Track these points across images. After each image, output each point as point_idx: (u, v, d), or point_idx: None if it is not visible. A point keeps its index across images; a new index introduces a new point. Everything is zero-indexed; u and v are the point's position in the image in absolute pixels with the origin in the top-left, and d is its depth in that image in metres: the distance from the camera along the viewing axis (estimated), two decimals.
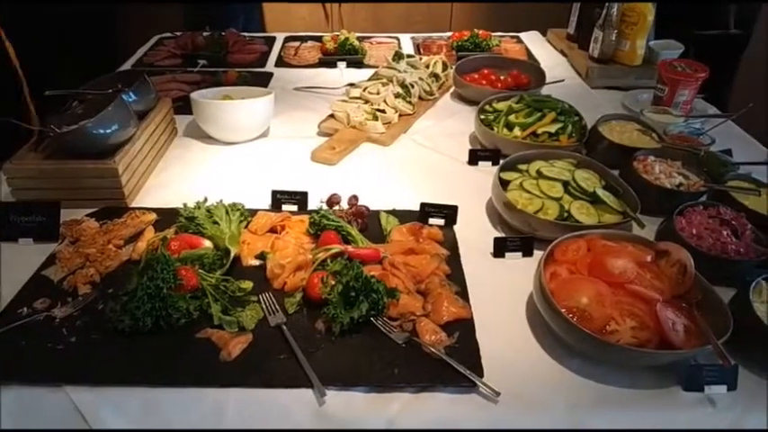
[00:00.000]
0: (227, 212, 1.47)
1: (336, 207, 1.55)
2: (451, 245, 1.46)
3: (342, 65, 2.65)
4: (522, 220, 1.46)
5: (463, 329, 1.20)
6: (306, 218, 1.49)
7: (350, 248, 1.32)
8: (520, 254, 1.44)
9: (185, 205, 1.47)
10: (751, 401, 1.08)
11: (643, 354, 1.07)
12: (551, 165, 1.61)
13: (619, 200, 1.52)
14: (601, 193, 1.50)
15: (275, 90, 2.38)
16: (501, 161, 1.66)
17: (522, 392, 1.09)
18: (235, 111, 1.90)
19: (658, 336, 1.09)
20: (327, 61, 2.68)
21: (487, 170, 1.79)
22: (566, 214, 1.46)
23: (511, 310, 1.29)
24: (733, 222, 1.40)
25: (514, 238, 1.44)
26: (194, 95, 1.94)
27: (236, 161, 1.89)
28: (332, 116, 2.09)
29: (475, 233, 1.52)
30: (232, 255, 1.34)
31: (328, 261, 1.31)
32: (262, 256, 1.37)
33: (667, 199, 1.51)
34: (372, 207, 1.58)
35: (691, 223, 1.40)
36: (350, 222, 1.45)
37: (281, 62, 2.71)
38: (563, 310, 1.11)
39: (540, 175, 1.56)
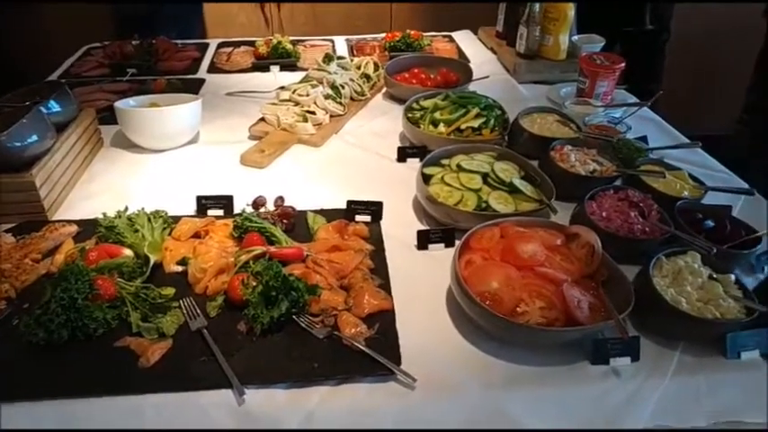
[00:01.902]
0: (149, 220, 1.46)
1: (263, 209, 1.55)
2: (377, 240, 1.49)
3: (275, 68, 2.65)
4: (444, 213, 1.50)
5: (384, 320, 1.23)
6: (231, 222, 1.49)
7: (272, 249, 1.33)
8: (442, 245, 1.48)
9: (105, 215, 1.45)
10: (652, 369, 1.14)
11: (550, 332, 1.12)
12: (472, 158, 1.66)
13: (536, 188, 1.58)
14: (517, 182, 1.55)
15: (207, 96, 2.40)
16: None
17: (439, 377, 1.12)
18: (159, 118, 1.88)
19: (565, 314, 1.15)
20: (261, 65, 2.67)
21: (415, 167, 1.80)
22: (484, 204, 1.50)
23: (432, 299, 1.32)
24: (640, 204, 1.47)
25: (437, 230, 1.48)
26: (118, 104, 1.91)
27: (163, 169, 1.87)
28: (263, 119, 2.09)
29: (401, 227, 1.55)
30: (152, 262, 1.33)
31: (250, 263, 1.31)
32: (183, 262, 1.36)
33: (581, 185, 1.57)
34: (302, 207, 1.60)
35: (601, 206, 1.47)
36: (275, 223, 1.46)
37: (213, 68, 2.70)
38: (475, 295, 1.15)
39: (460, 168, 1.60)
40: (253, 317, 1.18)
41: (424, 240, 1.48)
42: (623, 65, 2.24)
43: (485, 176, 1.60)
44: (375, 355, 1.12)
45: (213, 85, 2.52)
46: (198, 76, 2.63)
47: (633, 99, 2.43)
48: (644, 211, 1.46)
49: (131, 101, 1.99)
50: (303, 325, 1.21)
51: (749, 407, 1.09)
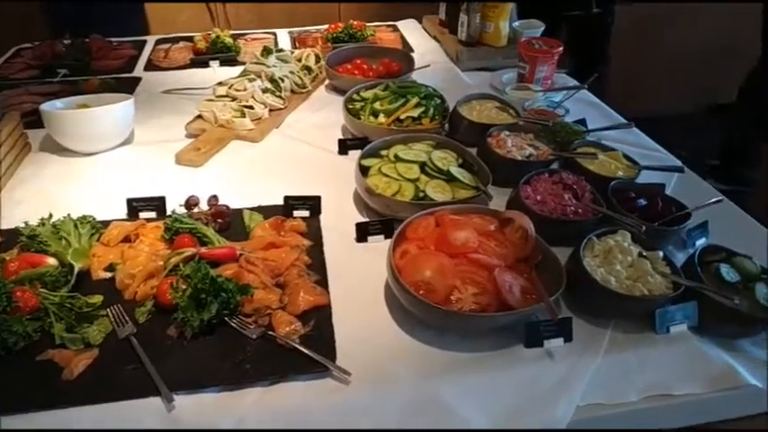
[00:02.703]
0: (75, 226, 1.40)
1: (196, 209, 1.51)
2: (316, 235, 1.47)
3: (214, 64, 2.58)
4: (382, 204, 1.49)
5: (320, 317, 1.21)
6: (162, 224, 1.44)
7: (203, 250, 1.30)
8: (382, 236, 1.47)
9: (26, 223, 1.39)
10: (584, 348, 1.16)
11: (482, 317, 1.12)
12: (410, 148, 1.65)
13: (473, 176, 1.58)
14: (454, 170, 1.55)
15: (142, 95, 2.33)
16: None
17: (376, 369, 1.12)
18: (87, 119, 1.81)
19: (498, 299, 1.15)
20: (199, 61, 2.60)
21: (357, 159, 1.80)
22: (422, 194, 1.50)
23: (371, 292, 1.31)
24: (574, 186, 1.49)
25: (375, 221, 1.47)
26: (44, 107, 1.83)
27: (95, 172, 1.80)
28: (200, 117, 2.04)
29: (342, 221, 1.53)
30: (76, 270, 1.28)
31: (181, 266, 1.27)
32: (111, 268, 1.31)
33: (518, 170, 1.58)
34: (240, 205, 1.56)
35: (536, 190, 1.48)
36: (208, 223, 1.43)
37: (150, 66, 2.61)
38: (408, 286, 1.14)
39: (397, 158, 1.59)
40: (182, 321, 1.15)
41: (363, 233, 1.46)
42: (561, 49, 2.27)
43: (423, 166, 1.59)
44: (309, 352, 1.11)
45: (150, 84, 2.44)
46: (134, 74, 2.54)
47: (574, 83, 2.46)
48: (578, 192, 1.48)
49: (59, 103, 1.91)
50: (236, 326, 1.17)
51: (678, 379, 1.12)
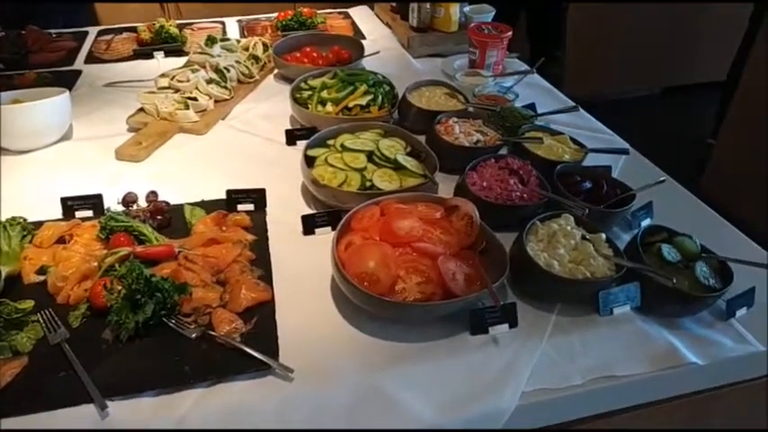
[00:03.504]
0: (5, 228, 1.33)
1: (134, 206, 1.45)
2: (260, 229, 1.43)
3: (159, 55, 2.49)
4: (329, 195, 1.46)
5: (263, 313, 1.18)
6: (98, 223, 1.38)
7: (138, 249, 1.25)
8: (329, 228, 1.44)
9: None
10: (529, 333, 1.16)
11: (425, 306, 1.11)
12: (357, 137, 1.62)
13: (421, 163, 1.57)
14: (401, 158, 1.53)
15: (83, 88, 2.24)
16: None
17: (320, 364, 1.09)
18: (17, 115, 1.72)
19: (442, 288, 1.14)
20: (144, 52, 2.51)
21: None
22: (369, 183, 1.47)
23: (316, 286, 1.28)
24: (520, 171, 1.49)
25: (322, 213, 1.44)
26: None
27: (29, 171, 1.72)
28: (142, 110, 1.96)
29: (289, 214, 1.49)
30: (3, 274, 1.21)
31: (116, 266, 1.22)
32: (43, 271, 1.25)
33: (466, 156, 1.57)
34: (184, 200, 1.52)
35: (482, 176, 1.47)
36: (145, 221, 1.37)
37: (91, 58, 2.51)
38: (351, 277, 1.12)
39: (344, 148, 1.56)
40: (117, 323, 1.10)
41: (309, 225, 1.43)
42: (510, 33, 2.27)
43: (370, 155, 1.56)
44: (250, 350, 1.08)
45: (91, 77, 2.34)
46: (74, 67, 2.43)
47: (525, 67, 2.46)
48: (523, 178, 1.48)
49: None
50: (174, 326, 1.13)
51: (622, 360, 1.12)
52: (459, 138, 1.65)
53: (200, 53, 2.16)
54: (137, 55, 2.51)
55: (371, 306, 1.13)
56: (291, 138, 1.83)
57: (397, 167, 1.54)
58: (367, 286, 1.12)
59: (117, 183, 1.64)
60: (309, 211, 1.52)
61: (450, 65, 2.41)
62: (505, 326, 1.15)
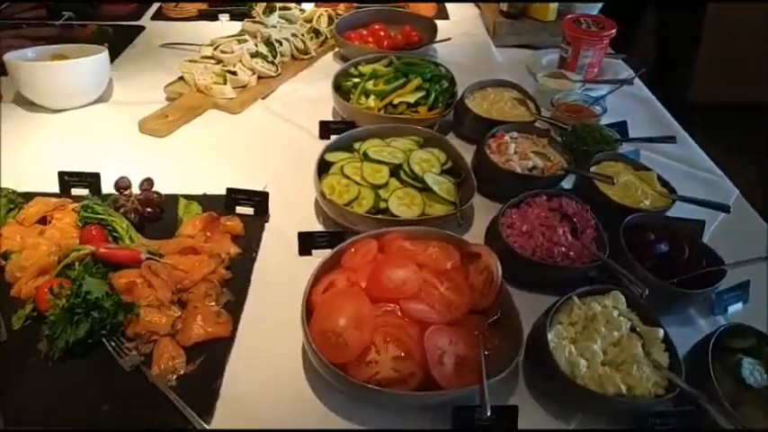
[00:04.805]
0: None
1: (127, 192, 1.31)
2: (252, 240, 1.24)
3: (224, 17, 2.34)
4: (336, 212, 1.23)
5: (213, 352, 1.00)
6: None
7: (102, 249, 1.10)
8: (330, 251, 1.22)
9: None
10: None
11: (392, 395, 0.86)
12: (387, 144, 1.37)
13: (456, 187, 1.29)
14: (430, 178, 1.27)
15: (140, 46, 2.16)
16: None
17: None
18: (49, 73, 1.64)
19: (424, 369, 0.89)
20: (209, 13, 2.37)
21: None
22: (384, 205, 1.23)
23: (292, 323, 1.06)
24: (575, 219, 1.17)
25: (323, 233, 1.22)
26: (9, 56, 1.67)
27: (55, 132, 1.64)
28: (182, 78, 1.82)
29: (292, 225, 1.29)
30: None
31: (76, 265, 1.09)
32: (6, 256, 1.15)
33: (513, 186, 1.28)
34: (191, 188, 1.37)
35: (525, 217, 1.18)
36: (129, 213, 1.23)
37: (159, 15, 2.41)
38: (313, 334, 0.90)
39: (366, 157, 1.32)
40: (48, 337, 0.96)
41: (307, 244, 1.22)
42: (614, 31, 1.87)
43: (398, 168, 1.31)
44: (178, 402, 0.90)
45: (152, 35, 2.24)
46: (140, 22, 2.35)
47: (629, 72, 2.05)
48: (577, 227, 1.16)
49: (30, 52, 1.74)
50: (112, 351, 0.98)
51: None
52: (511, 160, 1.35)
53: (255, 21, 1.98)
54: (201, 16, 2.38)
55: (328, 376, 0.90)
56: (326, 130, 1.61)
57: (425, 188, 1.27)
58: (329, 350, 0.89)
59: (128, 158, 1.52)
60: (317, 226, 1.31)
61: (537, 60, 2.06)
62: None
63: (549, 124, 1.52)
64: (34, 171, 1.44)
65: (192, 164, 1.52)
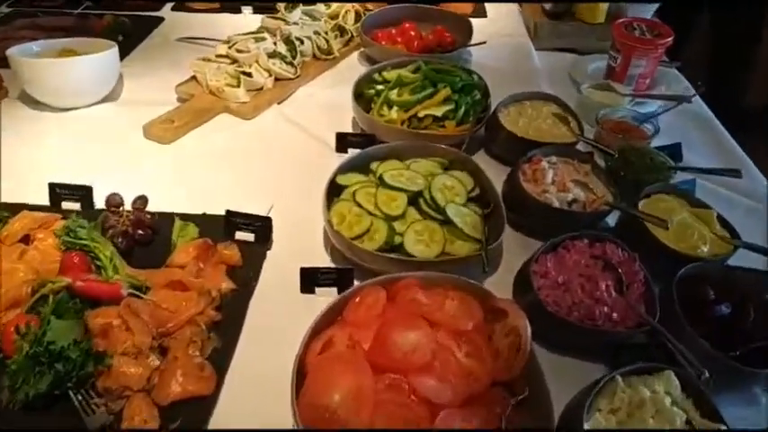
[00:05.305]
0: None
1: (121, 209, 1.19)
2: (250, 272, 1.11)
3: (247, 10, 2.22)
4: (344, 245, 1.09)
5: (192, 413, 0.87)
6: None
7: (78, 282, 0.98)
8: (335, 290, 1.08)
9: None
10: None
11: None
12: (406, 167, 1.22)
13: (483, 220, 1.13)
14: (453, 211, 1.11)
15: (157, 39, 2.05)
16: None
17: None
18: (52, 70, 1.53)
19: None
20: (231, 5, 2.24)
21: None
22: (399, 241, 1.08)
23: (287, 384, 0.93)
24: (620, 269, 1.00)
25: (329, 270, 1.08)
26: (12, 51, 1.57)
27: (58, 134, 1.54)
28: (195, 78, 1.70)
29: (297, 255, 1.15)
30: None
31: (50, 298, 0.97)
32: None
33: (552, 221, 1.12)
34: (190, 205, 1.25)
35: (561, 264, 1.01)
36: (119, 237, 1.11)
37: (181, 5, 2.29)
38: (304, 405, 0.76)
39: (381, 182, 1.16)
40: (9, 387, 0.85)
41: (309, 281, 1.08)
42: (671, 39, 1.67)
43: (417, 196, 1.16)
44: None
45: (170, 27, 2.13)
46: (159, 13, 2.23)
47: (684, 84, 1.84)
48: (623, 279, 0.99)
49: (35, 46, 1.65)
50: (78, 406, 0.86)
51: None
52: (548, 191, 1.18)
53: (275, 17, 1.84)
54: (224, 8, 2.24)
55: None
56: (343, 143, 1.47)
57: (447, 221, 1.12)
58: (323, 426, 0.75)
59: (128, 166, 1.41)
60: (324, 257, 1.17)
61: (582, 67, 1.87)
62: None
63: (592, 147, 1.34)
64: (27, 177, 1.34)
65: (195, 175, 1.40)
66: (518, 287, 1.02)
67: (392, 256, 1.04)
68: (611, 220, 1.23)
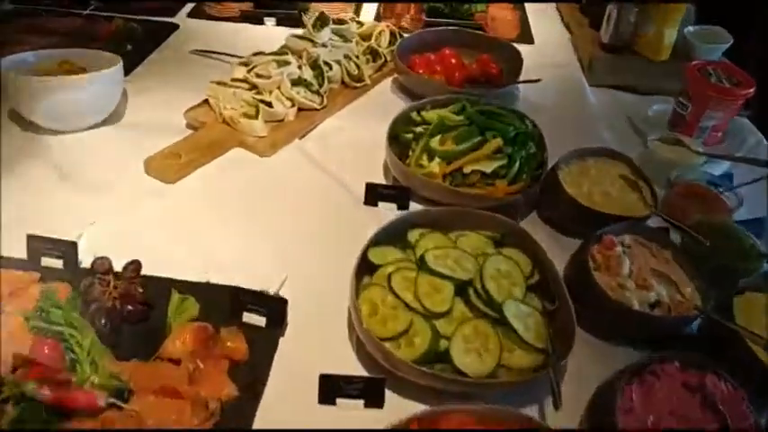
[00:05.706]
0: None
1: (106, 278, 1.00)
2: (258, 369, 0.91)
3: (270, 21, 2.01)
4: (375, 348, 0.89)
5: None
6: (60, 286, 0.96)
7: (46, 391, 0.78)
8: (362, 402, 0.88)
9: None
10: None
11: None
12: (452, 243, 1.01)
13: (547, 322, 0.92)
14: (512, 310, 0.90)
15: (167, 51, 1.85)
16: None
17: None
18: (42, 90, 1.33)
19: None
20: (253, 15, 2.04)
21: (389, 216, 1.14)
22: (443, 348, 0.87)
23: None
24: (723, 405, 0.79)
25: (354, 378, 0.88)
26: (5, 63, 1.38)
27: (45, 165, 1.33)
28: (207, 102, 1.50)
29: (317, 344, 0.97)
30: None
31: (9, 406, 0.78)
32: None
33: (631, 329, 0.91)
34: (190, 268, 1.06)
35: (649, 396, 0.81)
36: (103, 317, 0.91)
37: (197, 12, 2.08)
38: None
39: (422, 265, 0.96)
40: None
41: (329, 391, 0.88)
42: (752, 90, 1.45)
43: (465, 285, 0.95)
44: None
45: (185, 36, 1.93)
46: (173, 19, 2.03)
47: (758, 137, 1.62)
48: (726, 417, 0.78)
49: (31, 56, 1.46)
50: None
51: None
52: (624, 286, 0.97)
53: (301, 37, 1.63)
54: (245, 18, 2.04)
55: None
56: (373, 196, 1.26)
57: (501, 320, 0.91)
58: None
59: (123, 211, 1.21)
60: (350, 350, 0.97)
61: (642, 111, 1.66)
62: None
63: (671, 226, 1.12)
64: (5, 220, 1.15)
65: (199, 228, 1.20)
66: (593, 418, 0.81)
67: (435, 372, 0.83)
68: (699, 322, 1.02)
